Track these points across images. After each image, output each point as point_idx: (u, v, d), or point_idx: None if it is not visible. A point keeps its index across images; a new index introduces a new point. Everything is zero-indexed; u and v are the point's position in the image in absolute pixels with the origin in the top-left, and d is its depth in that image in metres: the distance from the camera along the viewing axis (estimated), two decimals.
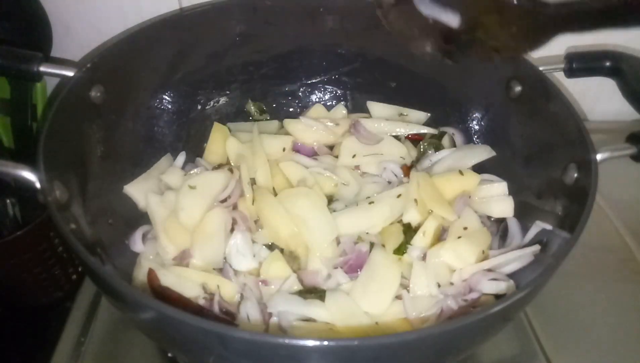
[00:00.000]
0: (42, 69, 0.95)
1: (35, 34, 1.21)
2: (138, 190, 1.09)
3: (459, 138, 1.23)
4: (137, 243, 1.04)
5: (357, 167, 1.18)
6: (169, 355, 1.00)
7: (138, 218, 1.09)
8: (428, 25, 0.93)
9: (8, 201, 1.09)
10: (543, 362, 1.01)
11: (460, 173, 1.09)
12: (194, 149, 1.22)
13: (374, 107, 1.28)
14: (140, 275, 0.98)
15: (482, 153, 1.15)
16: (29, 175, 0.81)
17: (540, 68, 1.06)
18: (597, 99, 1.45)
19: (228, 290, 0.97)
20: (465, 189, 1.09)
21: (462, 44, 0.93)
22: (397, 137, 1.22)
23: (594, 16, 0.82)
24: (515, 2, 0.85)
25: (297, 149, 1.21)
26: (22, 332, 1.11)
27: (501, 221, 1.08)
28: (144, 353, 1.01)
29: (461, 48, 0.94)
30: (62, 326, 1.04)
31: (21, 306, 1.15)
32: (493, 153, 1.15)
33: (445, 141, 1.23)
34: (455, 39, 0.93)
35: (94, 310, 1.07)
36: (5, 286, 1.12)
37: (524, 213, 1.05)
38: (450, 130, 1.24)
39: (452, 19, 0.90)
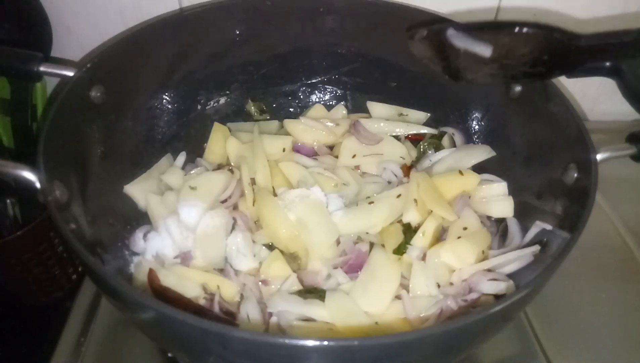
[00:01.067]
0: (42, 69, 0.95)
1: (35, 34, 1.21)
2: (138, 190, 1.09)
3: (459, 138, 1.23)
4: (137, 243, 1.04)
5: (357, 167, 1.19)
6: (169, 355, 1.00)
7: (138, 218, 1.09)
8: (458, 54, 0.94)
9: (8, 201, 1.09)
10: (543, 362, 1.01)
11: (460, 173, 1.09)
12: (194, 149, 1.22)
13: (374, 107, 1.28)
14: (141, 275, 0.98)
15: (482, 153, 1.15)
16: (29, 175, 0.81)
17: None
18: (597, 99, 1.45)
19: (228, 290, 0.97)
20: (465, 189, 1.09)
21: (491, 69, 0.94)
22: (397, 137, 1.22)
23: (625, 48, 0.83)
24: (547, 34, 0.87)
25: (297, 149, 1.21)
26: (22, 332, 1.12)
27: (501, 221, 1.08)
28: (144, 353, 1.01)
29: (490, 73, 0.96)
30: (62, 326, 1.04)
31: (21, 306, 1.15)
32: (493, 153, 1.14)
33: (445, 141, 1.23)
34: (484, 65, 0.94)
35: (94, 310, 1.07)
36: (5, 286, 1.12)
37: (524, 213, 1.05)
38: (450, 130, 1.24)
39: (484, 51, 0.91)
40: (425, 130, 1.24)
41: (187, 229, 1.03)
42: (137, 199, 1.09)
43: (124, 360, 1.01)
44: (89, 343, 1.02)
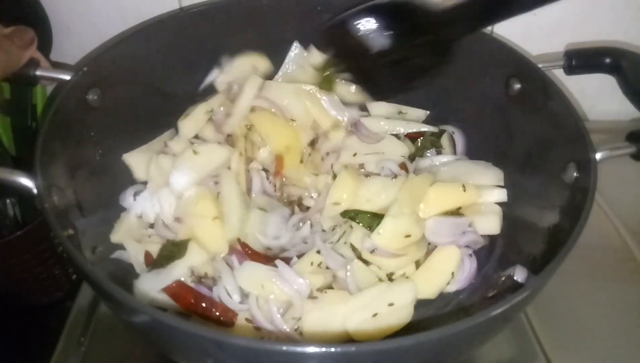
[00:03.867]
0: (38, 73, 0.95)
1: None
2: (137, 159, 1.10)
3: (458, 136, 1.23)
4: (127, 199, 1.06)
5: (360, 166, 1.17)
6: None
7: None
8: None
9: (8, 201, 1.09)
10: (543, 362, 1.01)
11: (463, 188, 1.05)
12: None
13: (373, 105, 1.27)
14: (121, 229, 1.02)
15: (492, 176, 1.10)
16: (26, 181, 0.81)
17: (540, 65, 1.05)
18: (597, 98, 1.45)
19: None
20: (463, 205, 1.06)
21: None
22: (397, 135, 1.21)
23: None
24: None
25: None
26: (22, 332, 1.11)
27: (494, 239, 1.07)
28: (144, 353, 1.01)
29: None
30: (62, 326, 1.05)
31: (21, 306, 1.15)
32: (502, 181, 1.10)
33: (445, 139, 1.22)
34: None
35: (94, 310, 1.08)
36: (5, 286, 1.12)
37: (524, 213, 1.04)
38: (449, 128, 1.23)
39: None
40: (425, 128, 1.23)
41: (174, 195, 1.05)
42: (133, 169, 1.10)
43: (124, 360, 1.01)
44: (89, 343, 1.02)
